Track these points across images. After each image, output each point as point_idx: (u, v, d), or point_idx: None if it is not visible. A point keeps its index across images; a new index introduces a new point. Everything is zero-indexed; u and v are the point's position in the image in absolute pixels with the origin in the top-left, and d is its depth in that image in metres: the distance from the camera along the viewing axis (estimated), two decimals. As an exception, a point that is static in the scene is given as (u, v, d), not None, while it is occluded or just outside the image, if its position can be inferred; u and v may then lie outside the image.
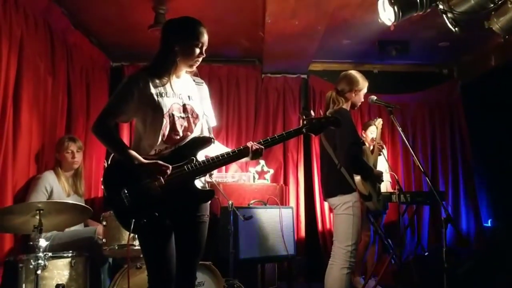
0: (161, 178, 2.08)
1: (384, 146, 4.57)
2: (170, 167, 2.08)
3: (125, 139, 5.20)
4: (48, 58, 3.88)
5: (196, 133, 2.29)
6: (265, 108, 5.73)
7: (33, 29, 3.62)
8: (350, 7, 4.18)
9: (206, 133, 2.35)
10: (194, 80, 2.40)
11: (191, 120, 2.26)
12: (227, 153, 2.21)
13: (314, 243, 5.48)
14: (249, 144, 2.23)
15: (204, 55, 2.24)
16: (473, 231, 5.68)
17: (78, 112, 4.42)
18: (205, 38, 2.22)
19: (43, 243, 2.64)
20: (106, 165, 2.36)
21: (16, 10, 3.38)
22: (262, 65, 5.62)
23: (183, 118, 2.23)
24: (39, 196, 3.39)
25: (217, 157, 2.19)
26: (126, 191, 2.11)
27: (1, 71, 3.19)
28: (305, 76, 5.89)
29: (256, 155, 2.23)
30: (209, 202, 2.34)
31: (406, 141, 3.18)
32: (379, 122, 4.14)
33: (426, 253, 5.38)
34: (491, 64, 5.30)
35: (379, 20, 3.35)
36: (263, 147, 2.24)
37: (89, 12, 4.31)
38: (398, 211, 4.51)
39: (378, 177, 3.42)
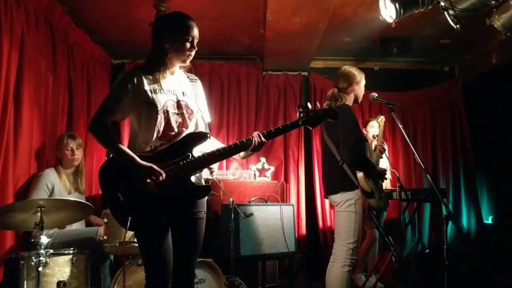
0: (155, 182, 2.07)
1: (385, 143, 4.55)
2: (164, 174, 2.08)
3: (126, 138, 5.21)
4: (49, 56, 3.88)
5: (191, 129, 2.28)
6: (266, 105, 5.73)
7: (34, 27, 3.62)
8: (352, 4, 4.17)
9: (202, 129, 2.34)
10: (188, 77, 2.40)
11: (186, 116, 2.25)
12: (223, 148, 2.21)
13: (315, 240, 5.48)
14: (255, 135, 2.22)
15: (196, 48, 2.23)
16: (473, 229, 5.68)
17: (79, 109, 4.43)
18: (195, 32, 2.20)
19: (44, 240, 2.65)
20: (106, 162, 2.36)
21: (17, 7, 3.38)
22: (263, 62, 5.62)
23: (177, 114, 2.22)
24: (41, 193, 3.40)
25: (212, 152, 2.19)
26: (122, 189, 2.11)
27: (2, 68, 3.19)
28: (306, 73, 5.89)
29: (258, 147, 2.23)
30: (206, 198, 2.33)
31: (407, 139, 3.17)
32: (381, 119, 4.11)
33: (427, 251, 5.39)
34: (492, 62, 5.29)
35: (381, 17, 3.35)
36: (264, 139, 2.23)
37: (90, 10, 4.31)
38: (399, 208, 4.50)
39: (381, 175, 3.41)
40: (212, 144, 2.32)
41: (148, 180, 2.05)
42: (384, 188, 4.85)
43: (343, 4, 4.13)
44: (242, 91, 5.71)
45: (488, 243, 5.43)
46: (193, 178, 2.22)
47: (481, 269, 4.31)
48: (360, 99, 3.33)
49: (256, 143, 2.21)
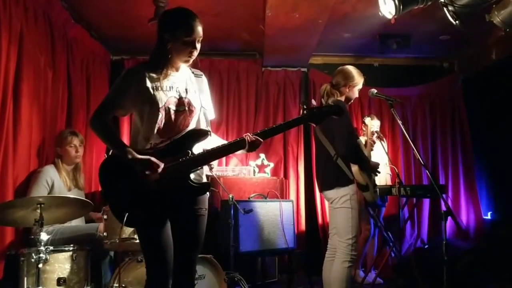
0: (153, 173, 2.06)
1: (384, 139, 4.56)
2: (162, 165, 2.07)
3: (126, 133, 5.22)
4: (48, 52, 3.87)
5: (192, 126, 2.28)
6: (266, 101, 5.73)
7: (33, 22, 3.61)
8: (351, 0, 4.17)
9: (203, 127, 2.33)
10: (193, 72, 2.38)
11: (188, 113, 2.25)
12: (223, 145, 2.20)
13: (314, 236, 5.50)
14: (246, 136, 2.19)
15: (198, 49, 2.21)
16: (473, 224, 5.70)
17: (78, 105, 4.42)
18: (197, 32, 2.17)
19: (44, 236, 2.65)
20: (106, 158, 2.35)
21: (16, 3, 3.36)
22: (263, 58, 5.61)
23: (179, 111, 2.22)
24: (41, 190, 3.39)
25: (212, 149, 2.18)
26: (122, 185, 2.11)
27: (1, 64, 3.18)
28: (305, 69, 5.88)
29: (252, 147, 2.19)
30: (207, 195, 2.33)
31: (407, 135, 3.17)
32: (368, 120, 4.26)
33: (426, 246, 5.41)
34: (492, 57, 5.29)
35: (380, 13, 3.35)
36: (260, 139, 2.20)
37: (89, 6, 4.30)
38: (398, 204, 4.52)
39: (374, 168, 3.41)
40: (213, 141, 2.31)
41: (147, 172, 2.05)
42: (385, 183, 4.90)
43: (343, -1, 4.13)
44: (242, 87, 5.71)
45: (487, 239, 5.45)
46: (192, 175, 2.20)
47: (480, 265, 4.32)
48: (351, 102, 3.31)
49: (248, 145, 2.18)
